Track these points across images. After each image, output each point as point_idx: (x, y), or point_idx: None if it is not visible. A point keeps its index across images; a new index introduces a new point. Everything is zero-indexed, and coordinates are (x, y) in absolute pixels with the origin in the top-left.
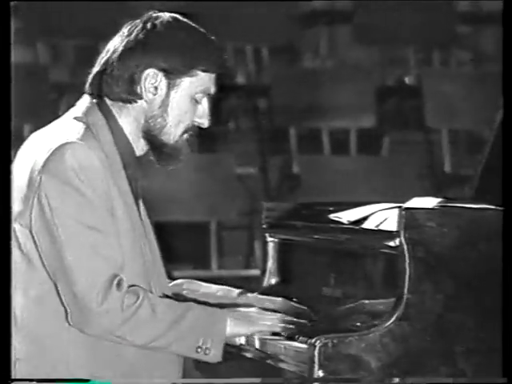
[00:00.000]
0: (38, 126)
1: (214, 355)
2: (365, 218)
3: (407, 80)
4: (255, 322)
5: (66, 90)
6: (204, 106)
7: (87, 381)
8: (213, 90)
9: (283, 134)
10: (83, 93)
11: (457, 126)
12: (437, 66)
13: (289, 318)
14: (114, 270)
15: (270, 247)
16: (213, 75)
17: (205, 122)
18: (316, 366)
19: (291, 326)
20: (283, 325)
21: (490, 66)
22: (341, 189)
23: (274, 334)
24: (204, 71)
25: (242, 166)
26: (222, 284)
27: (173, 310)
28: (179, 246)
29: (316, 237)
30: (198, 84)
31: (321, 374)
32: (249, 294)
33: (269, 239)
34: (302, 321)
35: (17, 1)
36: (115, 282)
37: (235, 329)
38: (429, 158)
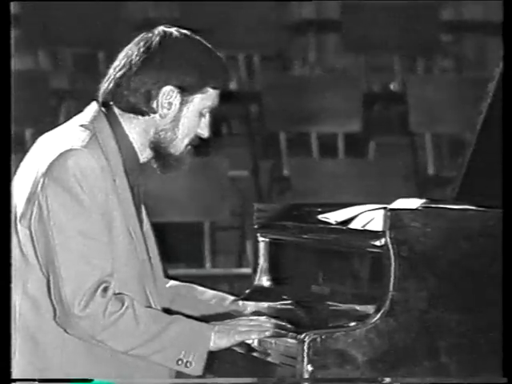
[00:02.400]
0: (38, 131)
1: (195, 369)
2: (352, 219)
3: (392, 87)
4: (239, 333)
5: (66, 96)
6: (206, 118)
7: (90, 381)
8: (216, 103)
9: (274, 138)
10: (85, 99)
11: (440, 130)
12: (421, 73)
13: (274, 322)
14: (101, 278)
15: (261, 246)
16: (218, 91)
17: (205, 133)
18: (305, 361)
19: (273, 332)
20: (267, 331)
21: (472, 72)
22: (329, 190)
23: None
24: (214, 88)
25: (235, 168)
26: (216, 281)
27: (157, 322)
28: (174, 245)
29: (305, 236)
30: (206, 100)
31: (310, 368)
32: (240, 303)
33: (260, 239)
34: (286, 324)
35: (17, 0)
36: (101, 288)
37: (219, 342)
38: (413, 160)
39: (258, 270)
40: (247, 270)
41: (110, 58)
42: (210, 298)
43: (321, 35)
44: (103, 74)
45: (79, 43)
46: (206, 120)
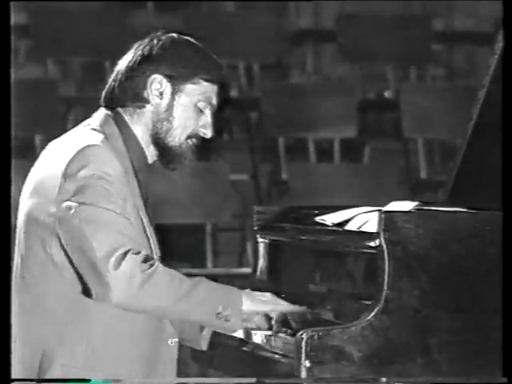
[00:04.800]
0: (48, 137)
1: (235, 323)
2: (347, 221)
3: (386, 94)
4: (268, 302)
5: (74, 103)
6: (207, 117)
7: (88, 381)
8: (214, 101)
9: (273, 143)
10: (92, 106)
11: (432, 135)
12: (413, 81)
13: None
14: (132, 245)
15: (261, 247)
16: (215, 87)
17: (208, 133)
18: (303, 357)
19: (297, 311)
20: (290, 308)
21: (462, 80)
22: (325, 194)
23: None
24: (206, 80)
25: (235, 172)
26: (218, 281)
27: (188, 278)
28: (177, 246)
29: (303, 238)
30: (200, 92)
31: (307, 363)
32: None
33: (260, 240)
34: (304, 308)
35: (15, 1)
36: (132, 250)
37: (248, 303)
38: (406, 165)
39: (258, 270)
40: (247, 270)
41: None
42: None
43: (318, 45)
44: None
45: (87, 52)
46: (207, 118)
